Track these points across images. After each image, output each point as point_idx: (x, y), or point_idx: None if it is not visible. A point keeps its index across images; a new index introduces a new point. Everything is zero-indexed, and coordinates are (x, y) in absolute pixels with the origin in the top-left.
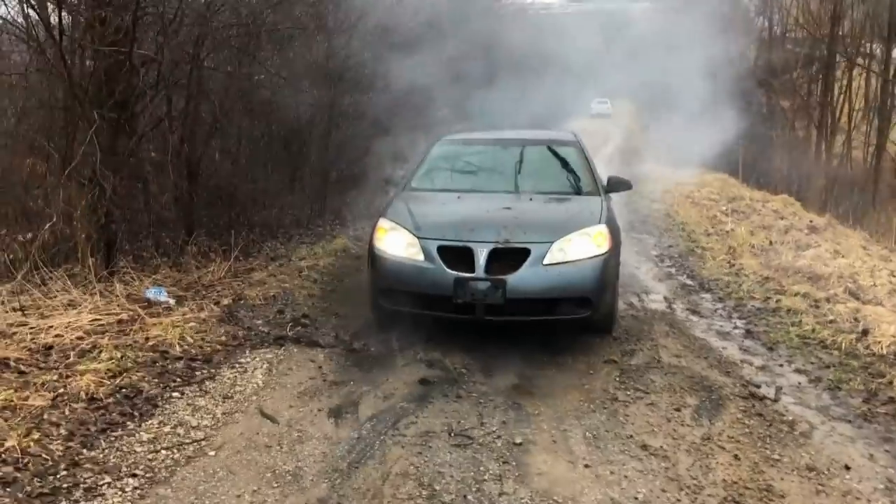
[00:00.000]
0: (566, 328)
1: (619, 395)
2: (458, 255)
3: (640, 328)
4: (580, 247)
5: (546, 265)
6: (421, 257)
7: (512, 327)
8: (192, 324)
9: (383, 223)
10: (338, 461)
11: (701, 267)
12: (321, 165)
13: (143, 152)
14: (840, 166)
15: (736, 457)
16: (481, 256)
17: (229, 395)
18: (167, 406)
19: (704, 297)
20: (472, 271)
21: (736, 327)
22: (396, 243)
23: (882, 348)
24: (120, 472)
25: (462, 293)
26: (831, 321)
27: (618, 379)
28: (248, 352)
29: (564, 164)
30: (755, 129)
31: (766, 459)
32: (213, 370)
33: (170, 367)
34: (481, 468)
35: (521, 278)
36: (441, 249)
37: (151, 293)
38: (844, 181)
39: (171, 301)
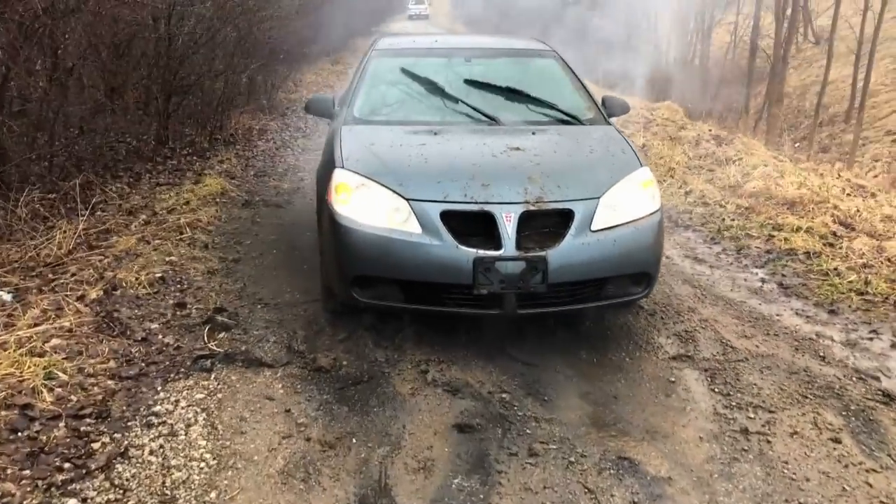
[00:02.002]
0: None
1: (740, 419)
2: (470, 224)
3: (662, 291)
4: (632, 201)
5: (595, 231)
6: (416, 228)
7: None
8: (55, 341)
9: (345, 176)
10: None
11: None
12: (160, 77)
13: None
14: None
15: None
16: (508, 225)
17: (169, 495)
18: None
19: (691, 238)
20: (498, 247)
21: (763, 280)
22: (373, 207)
23: None
24: None
25: (486, 280)
26: (867, 266)
27: (714, 389)
28: (159, 388)
29: (549, 81)
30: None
31: None
32: (118, 435)
33: (44, 438)
34: None
35: (566, 253)
36: (446, 216)
37: None
38: (687, 81)
39: (7, 297)
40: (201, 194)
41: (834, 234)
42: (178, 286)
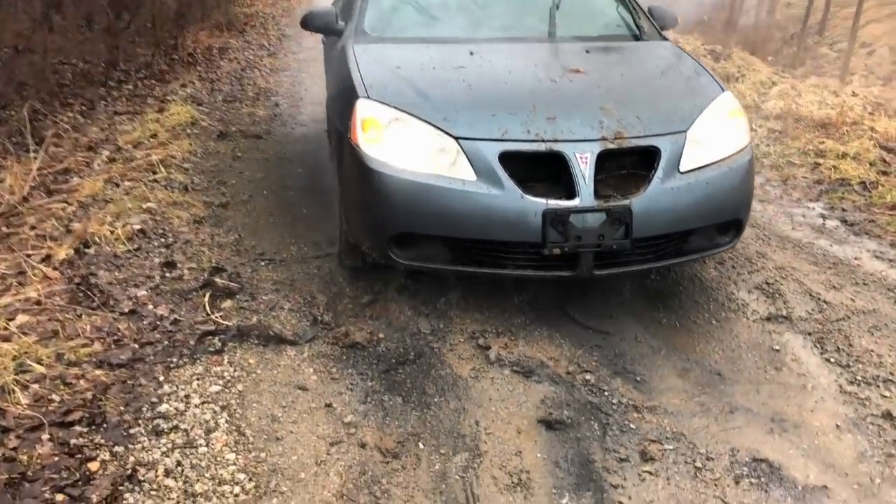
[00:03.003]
0: None
1: (875, 399)
2: (535, 168)
3: None
4: (720, 135)
5: (684, 173)
6: (468, 174)
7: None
8: (22, 318)
9: (372, 109)
10: None
11: None
12: None
13: None
14: None
15: None
16: (584, 167)
17: None
18: None
19: None
20: (571, 195)
21: (823, 216)
22: (412, 148)
23: None
24: None
25: (559, 237)
26: None
27: (829, 359)
28: (162, 378)
29: None
30: None
31: None
32: (120, 449)
33: (25, 458)
34: None
35: (654, 200)
36: (506, 158)
37: None
38: None
39: None
40: (169, 125)
41: (884, 160)
42: (162, 240)
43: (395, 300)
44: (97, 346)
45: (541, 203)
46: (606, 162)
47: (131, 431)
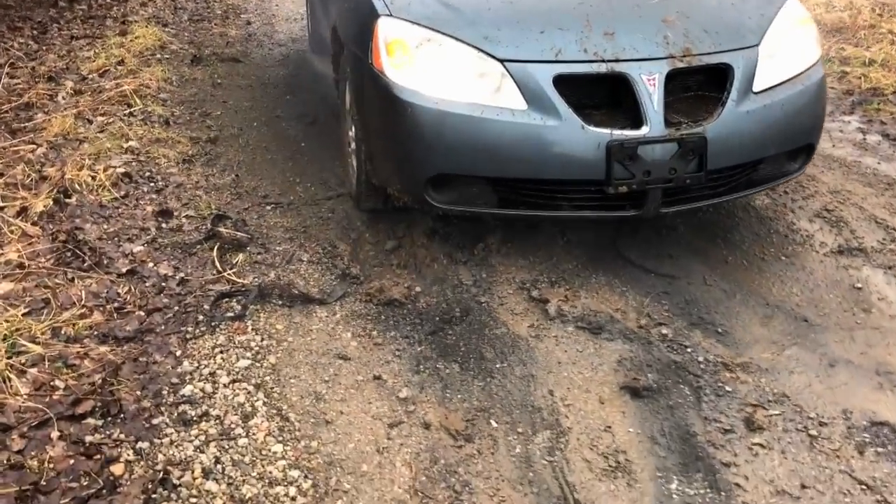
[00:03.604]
0: None
1: None
2: (594, 93)
3: None
4: (792, 48)
5: (758, 93)
6: (518, 102)
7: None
8: (5, 286)
9: (399, 29)
10: None
11: None
12: None
13: None
14: None
15: None
16: (653, 91)
17: None
18: None
19: None
20: (638, 124)
21: (862, 131)
22: (448, 73)
23: None
24: None
25: (626, 173)
26: None
27: None
28: (179, 353)
29: None
30: None
31: None
32: (144, 445)
33: (35, 463)
34: None
35: (729, 126)
36: (561, 83)
37: None
38: None
39: None
40: (135, 49)
41: None
42: (151, 184)
43: (425, 246)
44: (97, 317)
45: (604, 134)
46: (671, 83)
47: (154, 422)
